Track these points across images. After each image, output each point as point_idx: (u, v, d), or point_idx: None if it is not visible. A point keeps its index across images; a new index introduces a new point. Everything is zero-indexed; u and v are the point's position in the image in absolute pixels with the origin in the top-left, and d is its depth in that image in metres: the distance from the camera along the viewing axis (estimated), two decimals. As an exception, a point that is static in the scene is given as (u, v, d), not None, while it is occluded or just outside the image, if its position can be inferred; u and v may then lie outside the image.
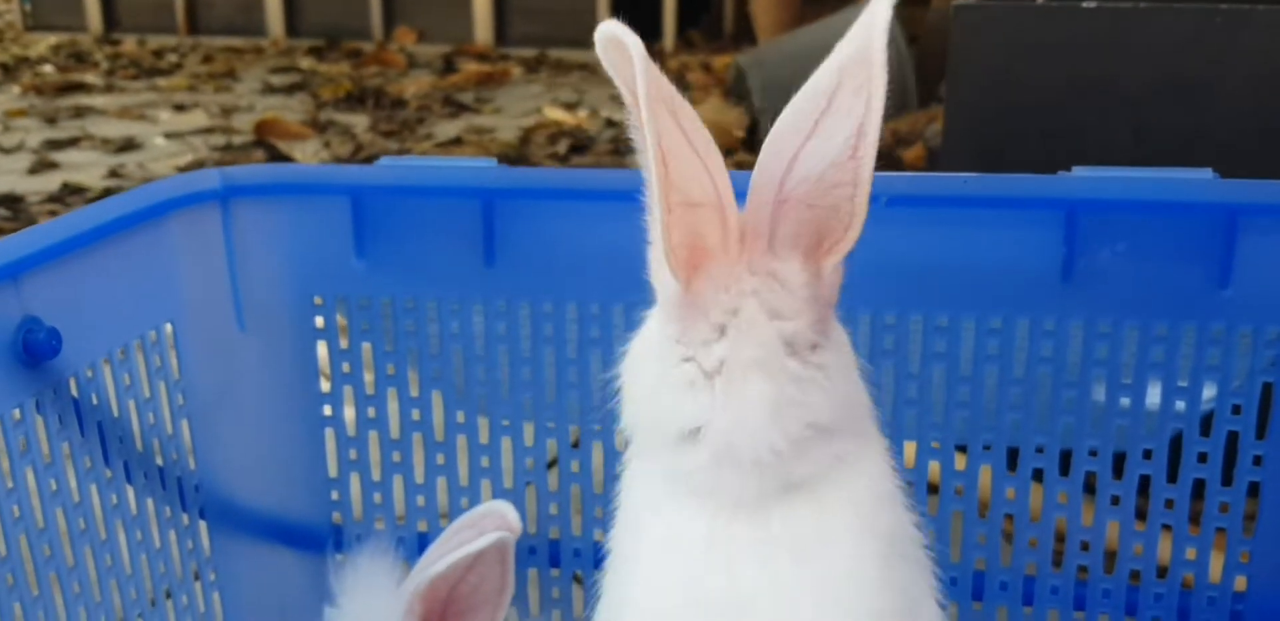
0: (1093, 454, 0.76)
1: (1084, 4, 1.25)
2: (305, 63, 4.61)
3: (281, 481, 0.84)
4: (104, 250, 0.71)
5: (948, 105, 1.35)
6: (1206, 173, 0.75)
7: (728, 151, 2.78)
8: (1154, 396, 0.76)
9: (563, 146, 2.93)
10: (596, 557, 0.83)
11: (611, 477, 0.82)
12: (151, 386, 0.75)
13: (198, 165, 2.85)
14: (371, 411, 0.83)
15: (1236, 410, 0.74)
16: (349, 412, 0.83)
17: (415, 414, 0.82)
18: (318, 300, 0.82)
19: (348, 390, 0.83)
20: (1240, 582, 0.76)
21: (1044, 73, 1.25)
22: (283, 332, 0.82)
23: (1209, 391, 0.75)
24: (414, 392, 0.82)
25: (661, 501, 0.52)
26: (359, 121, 3.35)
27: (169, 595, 0.75)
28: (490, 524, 0.76)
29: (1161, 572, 0.77)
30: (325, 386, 0.83)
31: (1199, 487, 0.76)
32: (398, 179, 0.80)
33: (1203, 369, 0.74)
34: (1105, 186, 0.74)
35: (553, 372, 0.81)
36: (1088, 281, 0.75)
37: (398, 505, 0.84)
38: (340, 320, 0.82)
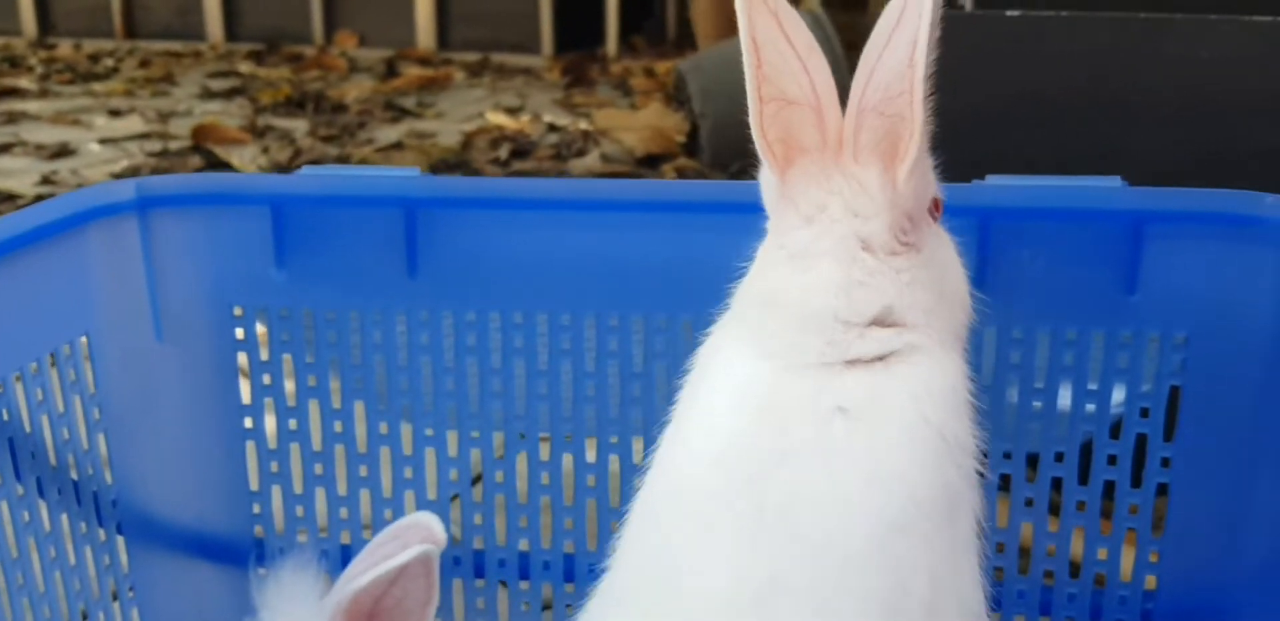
0: (1007, 457, 0.78)
1: (1007, 13, 1.27)
2: (244, 67, 4.56)
3: (202, 495, 0.83)
4: (16, 263, 0.70)
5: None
6: (1115, 181, 0.76)
7: (668, 156, 2.79)
8: (1065, 400, 0.77)
9: (504, 151, 2.92)
10: (521, 567, 0.83)
11: (536, 487, 0.82)
12: (66, 401, 0.74)
13: (133, 171, 2.80)
14: (293, 423, 0.82)
15: (1145, 413, 0.76)
16: (270, 424, 0.83)
17: (337, 425, 0.82)
18: (238, 311, 0.81)
19: (269, 402, 0.82)
20: (1150, 581, 0.78)
21: (969, 81, 1.27)
22: (202, 344, 0.81)
23: (1119, 395, 0.76)
24: (336, 404, 0.82)
25: (734, 357, 0.56)
26: (299, 126, 3.31)
27: (85, 614, 0.74)
28: (414, 536, 0.76)
29: (1075, 572, 0.79)
30: (246, 398, 0.83)
31: (1110, 489, 0.77)
32: (319, 188, 0.80)
33: (1112, 373, 0.76)
34: (1017, 194, 0.76)
35: (476, 382, 0.81)
36: (1000, 288, 0.76)
37: (320, 517, 0.84)
38: (261, 331, 0.82)
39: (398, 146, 3.01)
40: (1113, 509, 0.78)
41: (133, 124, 3.46)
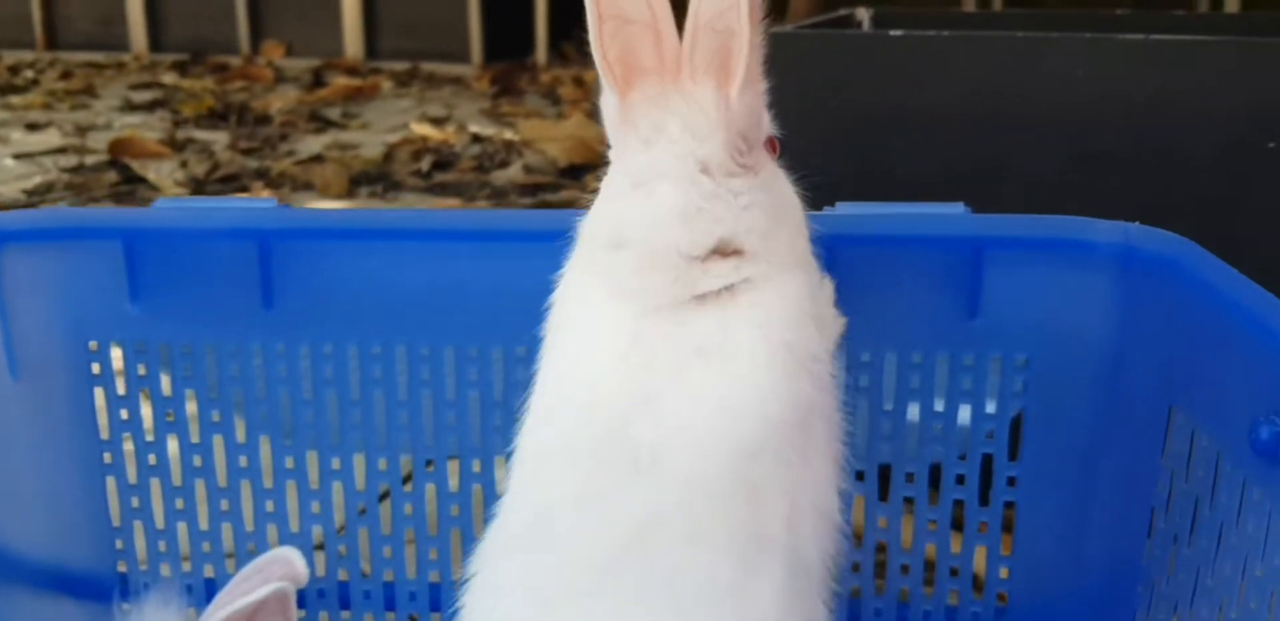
0: (859, 477, 0.79)
1: (891, 33, 1.29)
2: (168, 78, 4.50)
3: (63, 531, 0.82)
4: None
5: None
6: (959, 207, 0.78)
7: (591, 167, 2.80)
8: (915, 421, 0.79)
9: (426, 163, 2.91)
10: (387, 598, 0.83)
11: (400, 518, 0.83)
12: (-89, 441, 0.73)
13: (46, 187, 2.76)
14: (152, 458, 0.82)
15: (990, 435, 0.78)
16: (129, 459, 0.82)
17: (197, 459, 0.81)
18: (93, 345, 0.81)
19: (127, 436, 0.82)
20: (1002, 596, 0.80)
21: (856, 101, 1.29)
22: (57, 380, 0.81)
23: (965, 416, 0.78)
24: (195, 438, 0.81)
25: (594, 301, 0.58)
26: (219, 139, 3.28)
27: (-67, 655, 0.73)
28: (277, 571, 0.76)
29: (929, 585, 0.81)
30: (104, 433, 0.82)
31: (960, 508, 0.79)
32: (172, 222, 0.80)
33: (957, 394, 0.78)
34: (863, 222, 0.77)
35: (336, 414, 0.81)
36: (849, 313, 0.77)
37: (184, 551, 0.83)
38: (117, 366, 0.81)
39: (318, 159, 2.99)
40: (963, 526, 0.79)
41: (50, 138, 3.40)
